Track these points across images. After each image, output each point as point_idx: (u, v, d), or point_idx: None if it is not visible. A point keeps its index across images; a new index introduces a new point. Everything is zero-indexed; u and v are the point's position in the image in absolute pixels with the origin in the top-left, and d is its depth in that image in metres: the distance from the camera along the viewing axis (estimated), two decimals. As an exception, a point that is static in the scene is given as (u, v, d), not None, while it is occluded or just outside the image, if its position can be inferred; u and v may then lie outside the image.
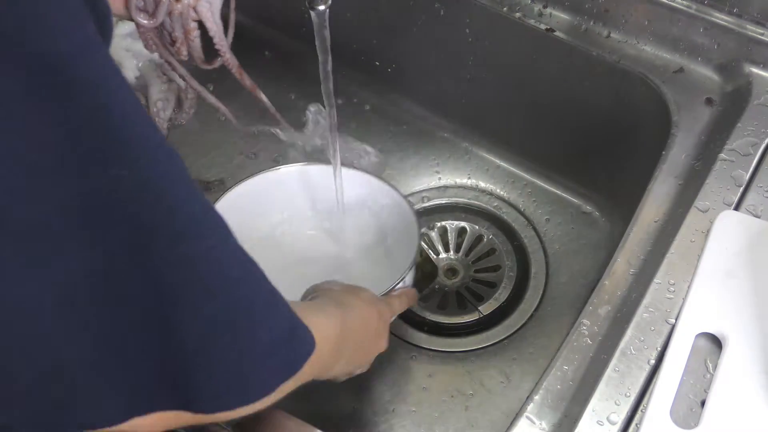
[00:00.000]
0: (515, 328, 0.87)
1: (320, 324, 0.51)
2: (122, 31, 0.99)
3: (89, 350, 0.37)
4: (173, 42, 0.66)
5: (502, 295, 0.90)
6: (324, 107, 0.74)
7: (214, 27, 0.67)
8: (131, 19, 0.63)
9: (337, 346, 0.56)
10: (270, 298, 0.44)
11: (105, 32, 0.37)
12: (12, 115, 0.32)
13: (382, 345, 0.69)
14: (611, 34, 0.83)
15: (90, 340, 0.37)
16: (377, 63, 1.00)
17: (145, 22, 0.63)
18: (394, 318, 0.72)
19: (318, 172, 0.84)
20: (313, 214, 0.87)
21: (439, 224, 0.96)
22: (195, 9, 0.65)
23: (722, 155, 0.70)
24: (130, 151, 0.36)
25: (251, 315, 0.42)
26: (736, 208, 0.67)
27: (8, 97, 0.32)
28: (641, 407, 0.57)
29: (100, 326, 0.37)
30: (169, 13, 0.64)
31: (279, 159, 0.98)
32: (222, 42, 0.69)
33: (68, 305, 0.36)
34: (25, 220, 0.33)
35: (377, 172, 0.81)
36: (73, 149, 0.34)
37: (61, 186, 0.34)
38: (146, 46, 0.67)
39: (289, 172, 0.84)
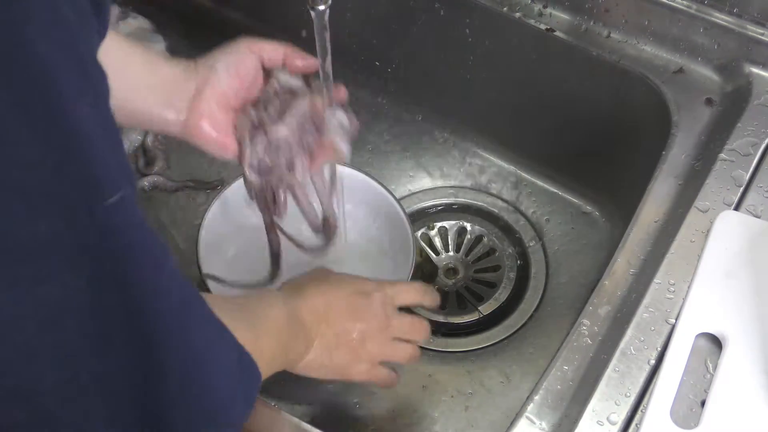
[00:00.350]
0: (515, 328, 0.87)
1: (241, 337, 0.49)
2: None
3: (64, 381, 0.35)
4: (275, 201, 0.68)
5: (502, 295, 0.90)
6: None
7: (313, 211, 0.71)
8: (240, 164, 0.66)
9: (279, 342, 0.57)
10: (216, 329, 0.43)
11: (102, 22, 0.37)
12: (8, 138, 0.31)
13: (374, 326, 0.68)
14: (611, 34, 0.83)
15: (68, 370, 0.35)
16: (377, 63, 1.00)
17: (255, 180, 0.66)
18: (399, 305, 0.71)
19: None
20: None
21: (439, 224, 0.96)
22: (301, 188, 0.68)
23: (722, 155, 0.70)
24: (116, 178, 0.34)
25: (210, 359, 0.42)
26: (736, 208, 0.67)
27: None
28: (641, 407, 0.57)
29: (77, 359, 0.35)
30: (279, 179, 0.66)
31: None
32: (330, 210, 0.72)
33: (50, 331, 0.34)
34: (21, 239, 0.32)
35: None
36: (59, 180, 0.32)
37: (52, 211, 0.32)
38: (248, 194, 0.69)
39: None
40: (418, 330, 0.72)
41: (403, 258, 0.81)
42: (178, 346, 0.38)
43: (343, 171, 0.81)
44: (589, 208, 0.95)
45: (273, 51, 0.67)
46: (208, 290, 0.75)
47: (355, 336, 0.67)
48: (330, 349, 0.66)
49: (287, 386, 0.81)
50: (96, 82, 0.34)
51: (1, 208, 0.30)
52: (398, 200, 0.83)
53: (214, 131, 0.64)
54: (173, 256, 0.38)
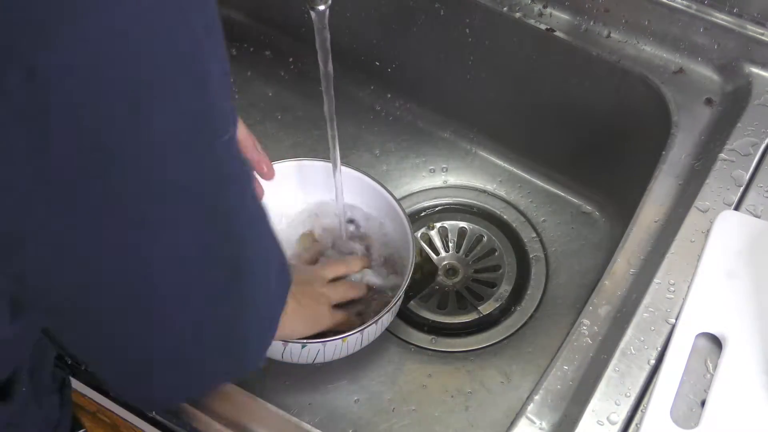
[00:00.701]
0: (515, 328, 0.87)
1: None
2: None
3: (182, 320, 0.40)
4: None
5: (502, 295, 0.90)
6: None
7: None
8: None
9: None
10: (275, 237, 0.47)
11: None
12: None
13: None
14: (611, 34, 0.83)
15: (185, 307, 0.40)
16: (377, 63, 1.00)
17: None
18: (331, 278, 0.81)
19: (316, 168, 0.85)
20: (308, 209, 0.88)
21: (439, 224, 0.96)
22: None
23: (722, 155, 0.70)
24: (228, 116, 0.38)
25: (276, 260, 0.47)
26: (736, 208, 0.67)
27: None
28: (641, 407, 0.57)
29: (193, 301, 0.40)
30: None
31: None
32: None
33: (176, 272, 0.38)
34: (165, 184, 0.35)
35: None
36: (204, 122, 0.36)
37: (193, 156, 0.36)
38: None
39: (288, 167, 0.84)
40: (346, 285, 0.82)
41: (403, 258, 0.82)
42: (256, 253, 0.43)
43: (344, 171, 0.81)
44: (589, 208, 0.95)
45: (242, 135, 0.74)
46: None
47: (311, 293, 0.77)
48: (297, 298, 0.73)
49: (287, 386, 0.81)
50: (218, 41, 0.37)
51: (163, 152, 0.34)
52: (398, 200, 0.83)
53: None
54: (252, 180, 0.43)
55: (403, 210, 0.82)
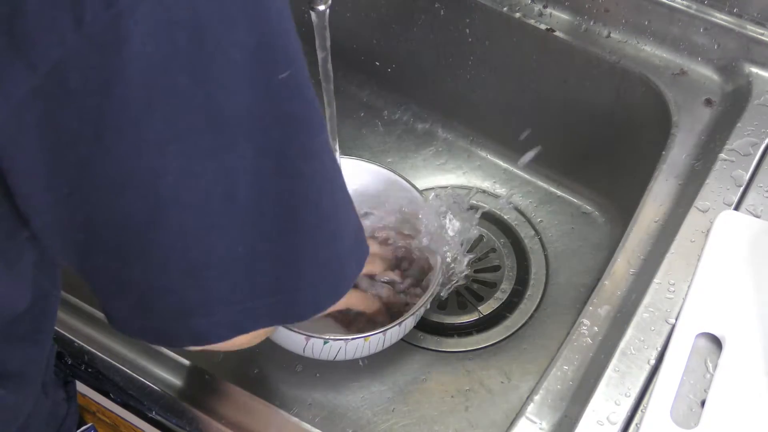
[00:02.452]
0: (515, 328, 0.87)
1: None
2: None
3: (233, 255, 0.39)
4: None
5: (502, 295, 0.90)
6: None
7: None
8: None
9: None
10: (350, 197, 0.46)
11: None
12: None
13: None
14: (611, 34, 0.83)
15: (237, 246, 0.39)
16: (377, 63, 1.00)
17: None
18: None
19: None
20: None
21: (439, 224, 0.96)
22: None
23: (722, 155, 0.70)
24: (294, 54, 0.38)
25: (346, 215, 0.45)
26: (736, 208, 0.67)
27: None
28: (641, 407, 0.57)
29: (247, 234, 0.39)
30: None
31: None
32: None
33: (233, 203, 0.38)
34: (223, 110, 0.35)
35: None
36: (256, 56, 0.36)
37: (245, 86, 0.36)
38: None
39: None
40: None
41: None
42: (322, 206, 0.42)
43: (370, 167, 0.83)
44: (589, 208, 0.95)
45: None
46: None
47: None
48: None
49: (287, 386, 0.81)
50: None
51: (217, 81, 0.34)
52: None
53: None
54: (327, 130, 0.42)
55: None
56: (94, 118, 0.33)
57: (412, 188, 0.83)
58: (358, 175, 0.84)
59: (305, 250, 0.42)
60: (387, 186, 0.85)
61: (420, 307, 0.75)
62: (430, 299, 0.77)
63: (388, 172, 0.85)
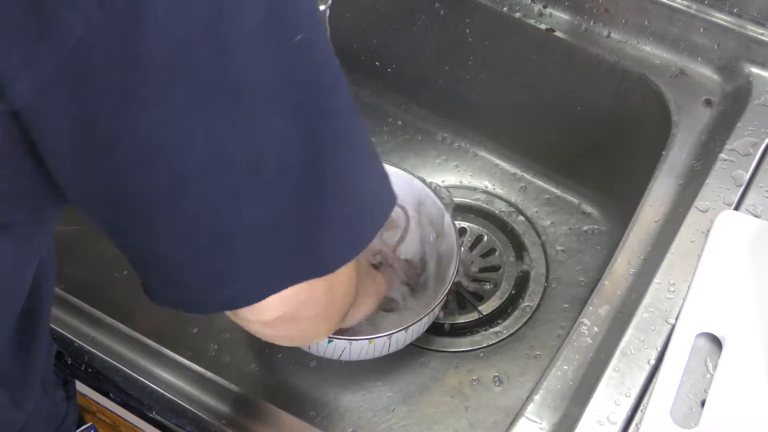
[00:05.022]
0: (515, 328, 0.87)
1: None
2: None
3: (258, 220, 0.40)
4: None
5: (502, 295, 0.90)
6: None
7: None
8: None
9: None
10: (372, 149, 0.46)
11: None
12: None
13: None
14: (611, 34, 0.83)
15: (262, 211, 0.39)
16: (377, 63, 1.00)
17: None
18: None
19: None
20: None
21: (439, 224, 0.96)
22: None
23: (722, 155, 0.70)
24: (304, 17, 0.38)
25: (369, 168, 0.45)
26: (736, 208, 0.67)
27: None
28: (641, 407, 0.57)
29: (271, 199, 0.39)
30: None
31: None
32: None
33: (257, 170, 0.38)
34: (243, 78, 0.36)
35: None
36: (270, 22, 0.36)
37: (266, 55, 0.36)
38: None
39: None
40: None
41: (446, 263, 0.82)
42: (343, 163, 0.42)
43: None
44: (589, 208, 0.95)
45: None
46: None
47: None
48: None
49: (287, 386, 0.81)
50: None
51: (234, 51, 0.35)
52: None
53: None
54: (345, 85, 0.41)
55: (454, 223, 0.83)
56: (119, 92, 0.34)
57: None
58: None
59: (327, 208, 0.42)
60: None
61: (426, 315, 0.75)
62: (439, 306, 0.77)
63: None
